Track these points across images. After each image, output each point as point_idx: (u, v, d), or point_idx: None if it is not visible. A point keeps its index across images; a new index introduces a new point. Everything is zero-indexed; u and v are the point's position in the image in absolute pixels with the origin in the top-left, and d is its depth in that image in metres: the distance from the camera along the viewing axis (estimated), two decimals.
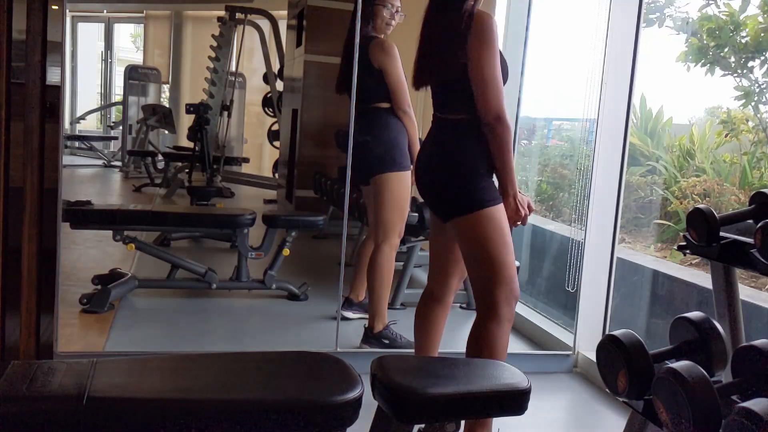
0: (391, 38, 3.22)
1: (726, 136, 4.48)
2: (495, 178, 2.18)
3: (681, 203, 4.39)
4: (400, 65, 3.09)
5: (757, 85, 4.25)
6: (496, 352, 2.10)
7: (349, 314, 3.60)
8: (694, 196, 4.34)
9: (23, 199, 2.56)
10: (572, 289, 3.28)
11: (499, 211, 2.12)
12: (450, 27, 2.08)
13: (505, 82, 2.80)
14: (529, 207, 2.21)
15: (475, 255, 2.14)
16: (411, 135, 3.15)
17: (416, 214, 3.76)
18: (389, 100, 3.13)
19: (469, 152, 2.11)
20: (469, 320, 3.62)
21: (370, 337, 3.18)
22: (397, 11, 3.15)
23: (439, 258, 2.37)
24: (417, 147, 3.18)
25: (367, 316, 3.29)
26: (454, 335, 3.10)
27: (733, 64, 4.24)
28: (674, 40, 4.56)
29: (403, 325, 3.42)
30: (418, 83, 2.26)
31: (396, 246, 3.22)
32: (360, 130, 3.14)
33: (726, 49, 4.26)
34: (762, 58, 4.18)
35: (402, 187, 3.16)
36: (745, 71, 4.25)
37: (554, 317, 3.60)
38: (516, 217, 2.19)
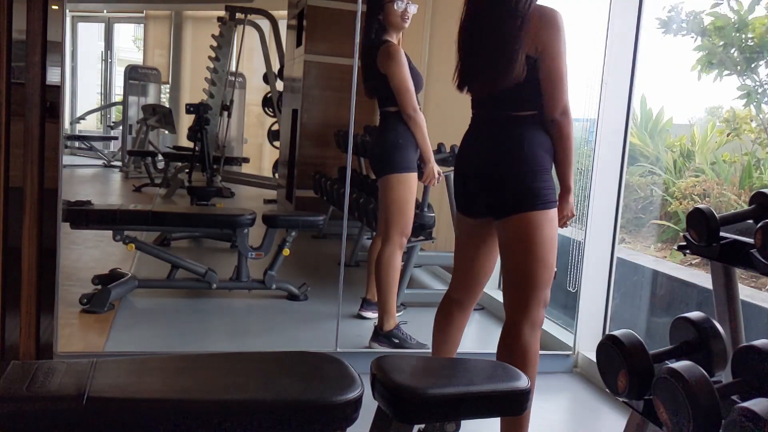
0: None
1: (728, 135, 4.48)
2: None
3: (681, 203, 4.39)
4: (405, 69, 3.08)
5: (759, 84, 4.25)
6: (530, 358, 2.05)
7: (368, 314, 3.62)
8: (693, 196, 4.34)
9: (23, 199, 2.56)
10: (572, 289, 3.28)
11: (555, 213, 2.08)
12: (503, 29, 2.01)
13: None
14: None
15: (524, 254, 2.07)
16: (418, 138, 3.13)
17: (432, 215, 3.78)
18: (396, 104, 3.13)
19: (539, 148, 2.06)
20: (471, 320, 3.61)
21: (380, 335, 3.18)
22: (409, 3, 3.11)
23: (469, 264, 2.30)
24: (427, 146, 3.18)
25: None
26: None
27: (738, 65, 4.24)
28: (680, 41, 4.56)
29: (411, 324, 3.43)
30: (464, 85, 2.18)
31: (402, 245, 3.23)
32: (374, 132, 3.15)
33: (733, 50, 4.26)
34: (767, 58, 4.18)
35: (403, 188, 3.16)
36: (749, 71, 4.25)
37: (554, 317, 3.60)
38: (571, 216, 2.19)
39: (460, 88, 2.20)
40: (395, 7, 3.07)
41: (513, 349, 2.07)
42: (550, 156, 2.09)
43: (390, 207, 3.17)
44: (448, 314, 2.35)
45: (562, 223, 2.19)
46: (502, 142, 2.09)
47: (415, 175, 3.19)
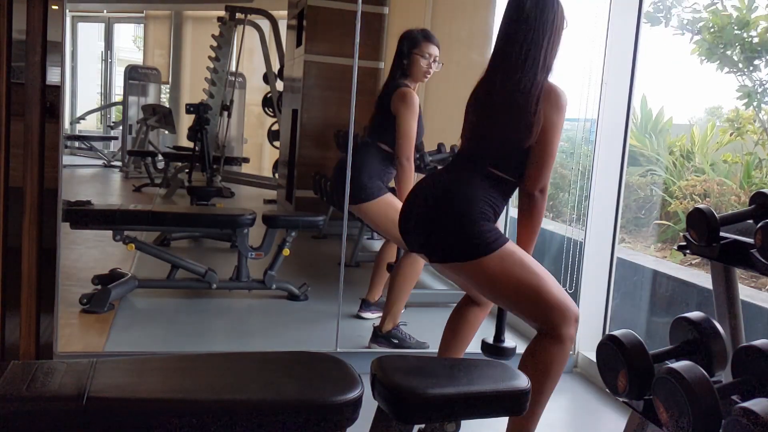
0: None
1: (731, 134, 4.48)
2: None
3: (681, 203, 4.39)
4: (415, 118, 3.18)
5: (759, 84, 4.25)
6: (550, 371, 2.01)
7: (367, 315, 3.63)
8: (694, 196, 4.34)
9: (23, 199, 2.56)
10: (572, 290, 3.28)
11: (513, 243, 2.06)
12: (524, 94, 2.03)
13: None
14: None
15: (514, 295, 2.05)
16: (401, 185, 3.18)
17: None
18: (392, 146, 3.23)
19: (493, 207, 2.04)
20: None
21: (379, 336, 3.19)
22: (434, 60, 3.22)
23: (460, 284, 2.30)
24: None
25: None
26: None
27: (740, 64, 4.23)
28: (678, 40, 4.57)
29: (411, 325, 3.43)
30: (473, 138, 2.17)
31: None
32: (354, 157, 3.22)
33: (732, 49, 4.26)
34: (767, 57, 4.18)
35: (384, 208, 3.23)
36: (750, 70, 4.25)
37: None
38: None
39: (466, 138, 2.19)
40: (421, 61, 3.19)
41: (534, 360, 2.04)
42: (497, 216, 2.06)
43: (389, 227, 3.19)
44: (465, 311, 2.35)
45: None
46: (456, 189, 2.07)
47: (388, 194, 3.28)
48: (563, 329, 2.01)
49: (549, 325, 2.02)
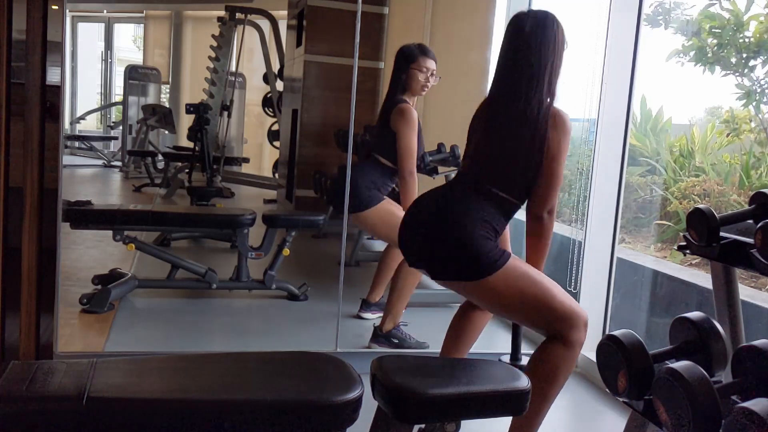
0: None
1: (728, 135, 4.48)
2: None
3: (681, 203, 4.39)
4: (415, 133, 3.21)
5: (758, 84, 4.25)
6: (557, 376, 2.01)
7: (367, 315, 3.64)
8: (693, 196, 4.34)
9: (23, 199, 2.56)
10: (572, 290, 3.28)
11: (516, 259, 2.05)
12: (527, 118, 2.04)
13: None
14: None
15: (523, 312, 2.06)
16: (405, 198, 3.20)
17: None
18: (391, 160, 3.28)
19: (495, 228, 2.04)
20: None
21: (380, 336, 3.20)
22: (432, 74, 3.25)
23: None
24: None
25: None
26: None
27: (734, 64, 4.24)
28: (677, 41, 4.57)
29: (411, 324, 3.42)
30: (478, 160, 2.16)
31: None
32: (354, 169, 3.26)
33: (728, 49, 4.26)
34: (765, 57, 4.17)
35: (383, 215, 3.27)
36: (746, 71, 4.25)
37: None
38: None
39: (471, 160, 2.18)
40: (419, 76, 3.22)
41: (541, 360, 2.03)
42: (495, 233, 2.05)
43: (389, 232, 3.21)
44: (470, 313, 2.34)
45: None
46: (461, 209, 2.06)
47: (386, 200, 3.33)
48: (573, 335, 2.01)
49: (559, 333, 2.02)
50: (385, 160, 3.31)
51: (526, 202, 2.13)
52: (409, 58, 3.23)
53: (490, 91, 2.19)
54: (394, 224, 3.22)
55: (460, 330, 2.35)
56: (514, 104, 2.07)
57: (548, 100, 2.06)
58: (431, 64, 3.25)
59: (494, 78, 2.18)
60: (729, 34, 4.19)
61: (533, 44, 2.06)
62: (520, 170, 2.06)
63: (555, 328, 2.01)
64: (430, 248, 2.07)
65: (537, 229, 2.12)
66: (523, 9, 2.20)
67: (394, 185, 3.39)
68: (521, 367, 2.72)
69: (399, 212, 3.26)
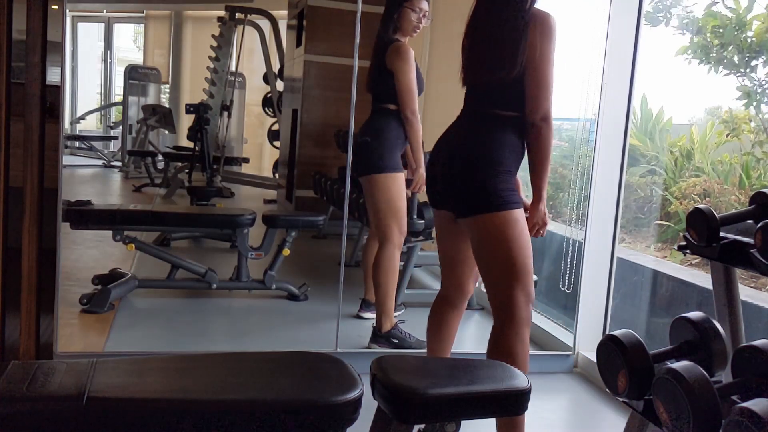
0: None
1: (727, 135, 4.48)
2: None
3: (681, 203, 4.39)
4: (413, 71, 3.13)
5: (759, 85, 4.25)
6: (519, 358, 2.04)
7: (367, 315, 3.63)
8: (694, 196, 4.34)
9: (23, 199, 2.56)
10: (567, 290, 3.28)
11: (518, 213, 2.08)
12: (507, 25, 2.03)
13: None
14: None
15: (495, 256, 2.08)
16: (412, 140, 3.17)
17: (422, 221, 3.78)
18: (397, 103, 3.16)
19: (506, 149, 2.06)
20: (470, 320, 3.60)
21: (379, 336, 3.19)
22: (424, 15, 3.19)
23: (450, 261, 2.30)
24: (419, 151, 3.20)
25: None
26: (458, 336, 3.10)
27: (736, 63, 4.23)
28: (679, 40, 4.56)
29: (411, 324, 3.42)
30: (467, 80, 2.18)
31: (399, 245, 3.23)
32: (363, 128, 3.19)
33: (730, 48, 4.26)
34: (766, 57, 4.17)
35: (396, 187, 3.18)
36: (748, 70, 4.25)
37: (554, 317, 3.60)
38: (542, 224, 2.17)
39: (463, 83, 2.20)
40: (411, 15, 3.15)
41: (502, 351, 2.07)
42: (518, 160, 2.09)
43: (384, 207, 3.17)
44: (441, 313, 2.35)
45: (534, 232, 2.16)
46: (471, 139, 2.10)
47: (403, 174, 3.22)
48: (523, 311, 2.06)
49: (512, 304, 2.06)
50: (393, 106, 3.18)
51: None
52: None
53: (473, 5, 2.18)
54: (395, 205, 3.18)
55: (438, 332, 2.35)
56: (495, 15, 2.07)
57: (528, 4, 2.04)
58: (425, 4, 3.16)
59: None
60: (732, 34, 4.19)
61: None
62: (510, 81, 2.05)
63: (510, 297, 2.06)
64: (452, 186, 2.10)
65: (533, 139, 2.09)
66: None
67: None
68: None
69: (403, 200, 3.22)
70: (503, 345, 2.07)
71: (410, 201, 3.71)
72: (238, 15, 7.91)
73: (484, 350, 2.96)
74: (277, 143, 7.82)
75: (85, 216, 3.65)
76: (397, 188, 3.19)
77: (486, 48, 2.10)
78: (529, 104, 2.05)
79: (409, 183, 3.29)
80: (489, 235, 2.07)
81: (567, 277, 3.36)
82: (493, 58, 2.07)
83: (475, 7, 2.17)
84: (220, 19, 8.11)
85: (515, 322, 2.07)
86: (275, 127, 8.21)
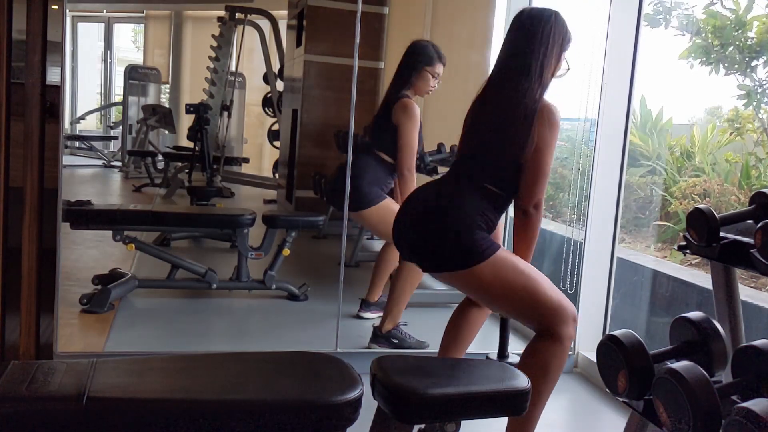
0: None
1: (731, 134, 4.47)
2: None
3: (681, 203, 4.39)
4: (417, 130, 3.22)
5: (759, 84, 4.25)
6: (549, 371, 2.01)
7: (367, 315, 3.64)
8: (694, 196, 4.34)
9: (23, 199, 2.56)
10: (572, 290, 3.28)
11: (505, 251, 2.06)
12: (517, 109, 2.04)
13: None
14: None
15: (512, 307, 2.08)
16: (403, 196, 3.18)
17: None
18: (392, 156, 3.26)
19: (486, 219, 2.04)
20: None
21: (379, 336, 3.19)
22: (438, 79, 3.29)
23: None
24: None
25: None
26: None
27: (737, 64, 4.23)
28: (678, 41, 4.57)
29: (411, 325, 3.43)
30: (465, 149, 2.18)
31: None
32: (354, 164, 3.23)
33: (730, 49, 4.26)
34: (766, 57, 4.17)
35: (385, 212, 3.22)
36: (748, 70, 4.25)
37: None
38: None
39: (461, 148, 2.20)
40: (430, 79, 3.25)
41: (532, 359, 2.04)
42: (490, 231, 2.06)
43: (387, 230, 3.20)
44: (467, 312, 2.34)
45: None
46: (450, 197, 2.09)
47: (387, 198, 3.30)
48: (562, 329, 2.01)
49: (547, 327, 2.02)
50: (386, 156, 3.29)
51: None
52: (426, 60, 3.23)
53: (485, 82, 2.20)
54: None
55: (457, 330, 2.35)
56: (505, 97, 2.08)
57: (538, 94, 2.06)
58: (442, 69, 3.26)
59: (492, 70, 2.19)
60: (732, 34, 4.19)
61: (527, 38, 2.08)
62: (509, 164, 2.07)
63: (543, 322, 2.02)
64: (422, 240, 2.08)
65: (524, 223, 2.12)
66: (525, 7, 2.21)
67: (394, 183, 3.37)
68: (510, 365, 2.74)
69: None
70: (536, 356, 2.04)
71: None
72: (238, 15, 7.91)
73: (484, 350, 2.97)
74: (277, 143, 7.82)
75: (85, 216, 3.65)
76: (388, 212, 3.22)
77: (493, 128, 2.10)
78: (525, 191, 2.07)
79: None
80: (488, 287, 2.04)
81: (569, 277, 3.36)
82: (500, 139, 2.08)
83: (487, 84, 2.18)
84: (220, 19, 8.11)
85: (552, 338, 2.02)
86: (275, 127, 8.21)
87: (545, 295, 2.02)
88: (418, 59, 3.23)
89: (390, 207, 3.26)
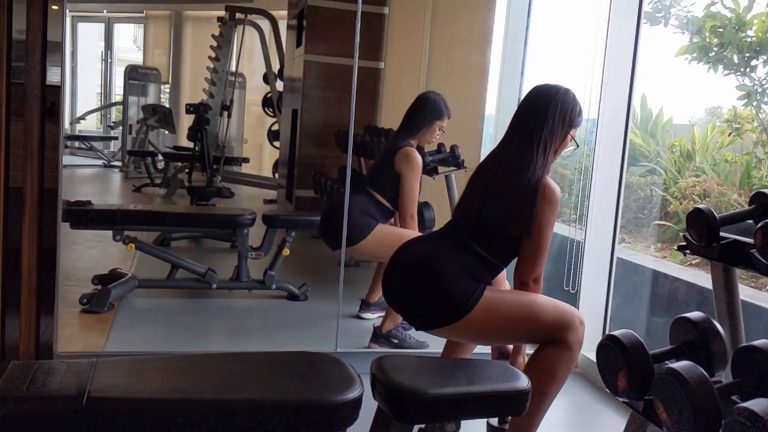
0: None
1: (729, 135, 4.47)
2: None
3: (681, 203, 4.39)
4: (418, 178, 3.26)
5: (759, 84, 4.25)
6: (556, 374, 2.01)
7: (366, 315, 3.64)
8: (693, 196, 4.34)
9: (23, 199, 2.56)
10: (572, 290, 3.28)
11: (490, 289, 2.05)
12: (521, 183, 2.06)
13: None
14: None
15: (520, 337, 2.11)
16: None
17: (433, 216, 3.81)
18: (387, 199, 3.30)
19: (476, 279, 2.03)
20: None
21: (379, 336, 3.20)
22: (443, 132, 3.37)
23: None
24: None
25: (384, 314, 3.34)
26: None
27: (736, 63, 4.23)
28: (678, 39, 4.56)
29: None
30: (465, 212, 2.18)
31: None
32: (352, 199, 3.23)
33: (729, 48, 4.25)
34: (766, 57, 4.17)
35: (382, 237, 3.21)
36: (748, 70, 4.24)
37: None
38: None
39: (459, 211, 2.20)
40: (437, 133, 3.34)
41: (538, 364, 2.04)
42: (475, 277, 2.05)
43: (388, 252, 3.19)
44: None
45: None
46: (443, 253, 2.08)
47: (379, 224, 3.28)
48: (570, 337, 2.02)
49: (556, 339, 2.03)
50: (381, 197, 3.31)
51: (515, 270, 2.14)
52: (437, 114, 3.30)
53: (495, 150, 2.22)
54: (395, 243, 3.23)
55: None
56: (509, 172, 2.10)
57: (540, 171, 2.08)
58: (447, 122, 3.34)
59: (498, 144, 2.23)
60: (731, 34, 4.19)
61: (531, 115, 2.12)
62: (507, 237, 2.09)
63: (551, 336, 2.03)
64: (407, 295, 2.07)
65: (522, 291, 2.12)
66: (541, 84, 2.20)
67: (384, 220, 3.33)
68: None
69: (395, 228, 3.27)
70: (542, 360, 2.04)
71: None
72: (238, 15, 7.92)
73: (485, 350, 2.97)
74: (277, 143, 7.82)
75: (85, 216, 3.65)
76: (384, 235, 3.23)
77: (496, 199, 2.10)
78: (524, 264, 2.08)
79: None
80: (487, 331, 2.05)
81: (568, 278, 3.36)
82: (503, 211, 2.08)
83: (493, 154, 2.21)
84: (220, 19, 8.11)
85: (561, 344, 2.02)
86: (275, 127, 8.22)
87: (545, 315, 2.03)
88: (430, 113, 3.30)
89: (384, 230, 3.25)
